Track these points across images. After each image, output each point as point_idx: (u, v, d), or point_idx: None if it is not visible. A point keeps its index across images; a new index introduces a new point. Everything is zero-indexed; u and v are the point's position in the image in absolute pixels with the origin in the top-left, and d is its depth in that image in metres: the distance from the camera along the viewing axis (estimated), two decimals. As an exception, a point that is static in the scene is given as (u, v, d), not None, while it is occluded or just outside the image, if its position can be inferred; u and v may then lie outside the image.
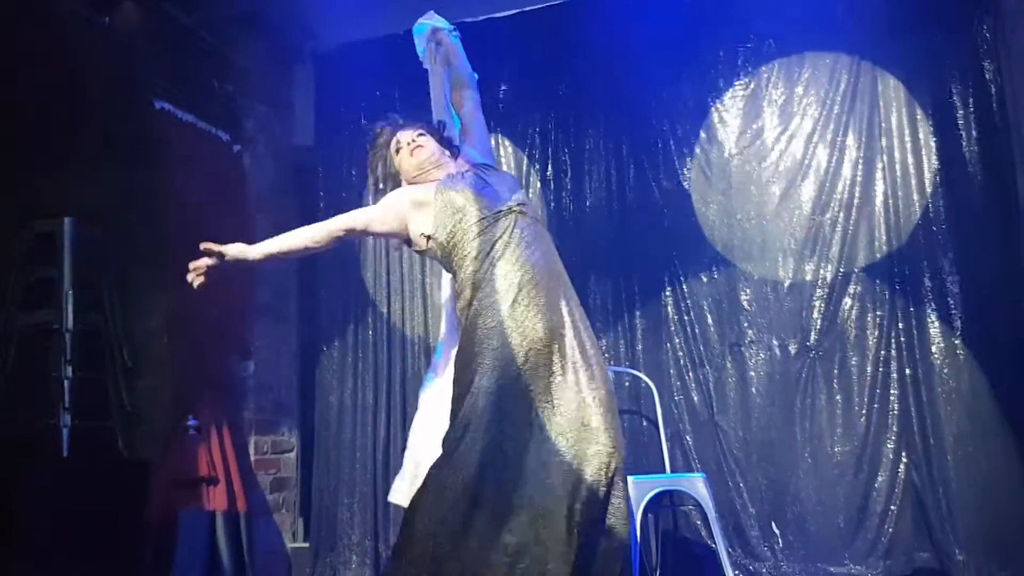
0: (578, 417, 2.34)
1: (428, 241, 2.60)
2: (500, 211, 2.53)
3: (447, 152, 2.81)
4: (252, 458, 4.44)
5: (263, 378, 4.58)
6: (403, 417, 4.56)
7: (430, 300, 4.65)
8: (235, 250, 2.57)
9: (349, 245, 4.85)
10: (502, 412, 2.32)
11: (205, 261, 2.53)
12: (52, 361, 3.46)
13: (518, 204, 2.57)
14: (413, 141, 2.75)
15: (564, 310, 2.47)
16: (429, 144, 2.76)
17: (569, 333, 2.44)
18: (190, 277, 2.55)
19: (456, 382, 2.44)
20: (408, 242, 2.70)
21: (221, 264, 2.57)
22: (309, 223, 4.76)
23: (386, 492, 4.48)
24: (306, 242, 2.65)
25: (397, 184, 2.80)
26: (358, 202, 4.83)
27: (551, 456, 2.30)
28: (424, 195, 2.64)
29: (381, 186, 2.83)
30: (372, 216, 2.68)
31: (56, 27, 3.57)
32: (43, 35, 3.51)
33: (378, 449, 4.56)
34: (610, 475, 2.30)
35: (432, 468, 2.36)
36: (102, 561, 3.36)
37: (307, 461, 4.73)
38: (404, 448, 4.43)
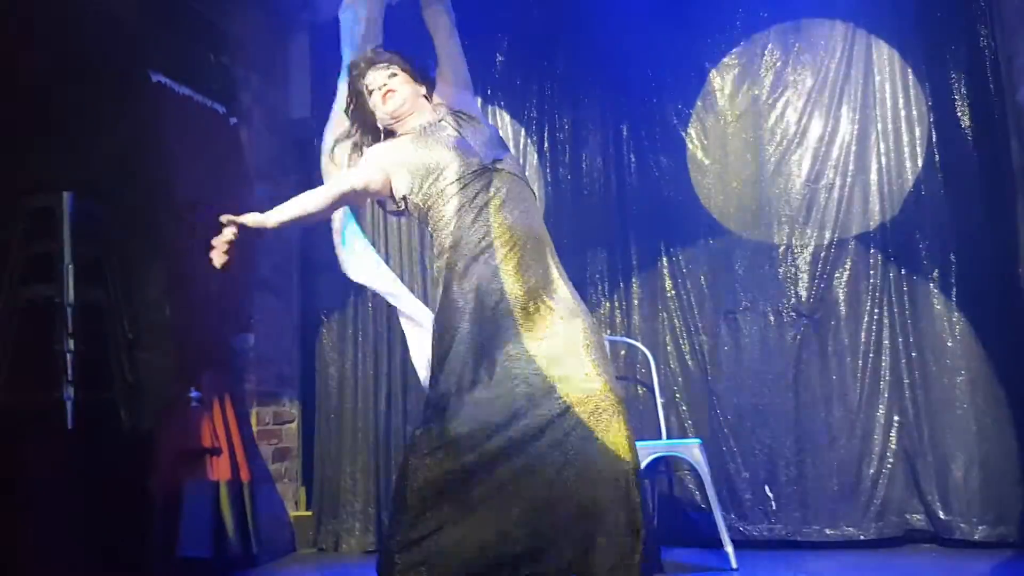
0: (567, 358, 2.30)
1: (404, 201, 2.54)
2: (476, 170, 2.46)
3: (423, 89, 2.67)
4: (254, 429, 4.49)
5: (264, 350, 4.62)
6: (403, 387, 4.63)
7: (429, 271, 4.68)
8: (252, 220, 2.39)
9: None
10: (484, 374, 2.31)
11: (227, 235, 2.32)
12: (55, 335, 3.49)
13: (494, 161, 2.50)
14: (385, 86, 2.61)
15: (543, 270, 2.42)
16: (402, 89, 2.61)
17: (549, 291, 2.39)
18: (213, 254, 2.33)
19: (436, 344, 2.42)
20: (382, 203, 2.63)
21: (240, 235, 2.52)
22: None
23: (387, 460, 4.57)
24: (314, 208, 2.52)
25: (372, 125, 2.68)
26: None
27: (537, 390, 2.27)
28: (399, 155, 2.54)
29: (355, 129, 2.72)
30: (369, 176, 2.56)
31: (53, 1, 3.56)
32: (40, 9, 3.50)
33: (379, 418, 4.62)
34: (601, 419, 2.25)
35: (419, 431, 2.38)
36: (107, 532, 3.42)
37: (308, 431, 4.79)
38: (403, 417, 4.56)
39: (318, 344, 4.83)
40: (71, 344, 3.49)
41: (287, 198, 4.85)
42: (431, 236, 2.54)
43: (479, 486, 2.27)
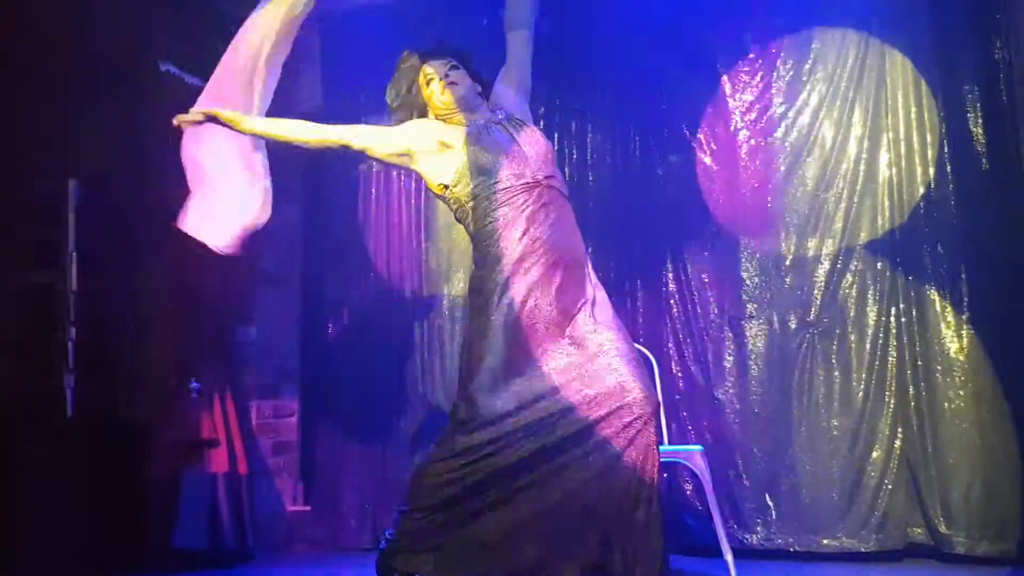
0: (602, 373, 2.30)
1: (446, 190, 2.52)
2: (528, 182, 2.44)
3: (479, 89, 2.68)
4: (254, 422, 4.49)
5: (265, 343, 4.61)
6: (400, 384, 4.61)
7: (428, 269, 4.67)
8: (229, 115, 2.63)
9: (352, 211, 4.87)
10: (512, 388, 2.31)
11: (193, 116, 2.64)
12: (56, 322, 3.48)
13: (546, 177, 2.48)
14: (447, 76, 2.61)
15: (581, 289, 2.42)
16: (463, 81, 2.62)
17: (586, 309, 2.39)
18: (175, 120, 2.65)
19: (466, 354, 2.43)
20: (408, 171, 2.70)
21: (211, 123, 2.64)
22: (316, 188, 4.89)
23: (385, 458, 4.56)
24: (297, 138, 2.65)
25: (422, 113, 2.68)
26: (368, 167, 4.85)
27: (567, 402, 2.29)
28: (452, 138, 2.54)
29: (400, 114, 2.72)
30: (374, 141, 2.60)
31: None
32: (49, -4, 3.49)
33: (379, 414, 4.60)
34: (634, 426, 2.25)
35: (442, 436, 2.40)
36: (105, 520, 3.41)
37: (308, 426, 4.77)
38: (402, 413, 4.54)
39: (319, 337, 4.81)
40: (72, 332, 3.48)
41: (294, 190, 4.86)
42: (471, 238, 2.53)
43: (495, 493, 2.27)
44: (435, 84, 2.62)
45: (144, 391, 3.74)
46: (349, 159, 4.82)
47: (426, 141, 2.56)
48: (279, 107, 4.77)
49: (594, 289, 2.47)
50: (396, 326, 4.70)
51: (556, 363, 2.32)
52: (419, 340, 4.63)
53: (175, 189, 3.95)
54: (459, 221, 2.60)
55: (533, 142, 2.55)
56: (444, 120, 2.63)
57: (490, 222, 2.43)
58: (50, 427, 3.39)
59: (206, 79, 4.26)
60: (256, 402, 4.53)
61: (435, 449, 2.41)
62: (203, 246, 3.96)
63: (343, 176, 4.92)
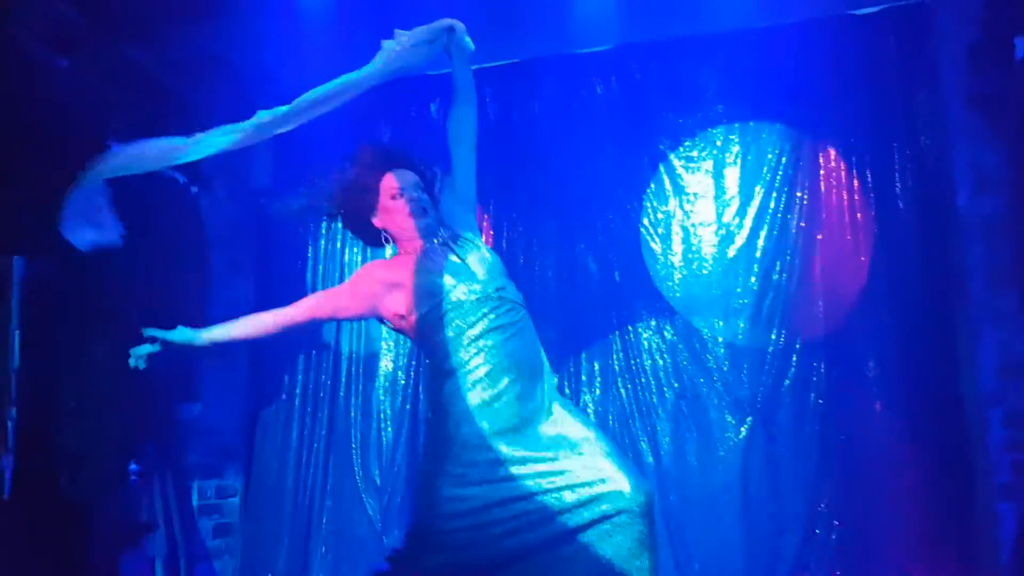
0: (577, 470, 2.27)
1: (401, 320, 2.51)
2: (479, 297, 2.42)
3: (436, 213, 2.61)
4: (196, 503, 4.38)
5: (210, 421, 4.53)
6: (349, 463, 4.57)
7: (383, 343, 4.67)
8: (181, 336, 2.54)
9: (302, 284, 4.86)
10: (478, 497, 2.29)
11: (147, 348, 2.52)
12: (-3, 401, 3.40)
13: (496, 289, 2.46)
14: (416, 201, 2.56)
15: (541, 395, 2.39)
16: (430, 209, 2.58)
17: (547, 414, 2.36)
18: (132, 361, 2.55)
19: (429, 467, 2.40)
20: (381, 319, 2.61)
21: (166, 351, 2.55)
22: (266, 262, 4.87)
23: (321, 544, 4.48)
24: (260, 330, 2.58)
25: (362, 212, 2.61)
26: (315, 244, 4.87)
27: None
28: (398, 276, 2.52)
29: (344, 221, 2.66)
30: (339, 304, 2.58)
31: (13, 69, 3.55)
32: (2, 74, 3.49)
33: (316, 497, 4.57)
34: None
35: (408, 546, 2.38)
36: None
37: (252, 507, 4.68)
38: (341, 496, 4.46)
39: (264, 415, 4.76)
40: (13, 412, 3.39)
41: (244, 266, 4.82)
42: (427, 356, 2.51)
43: None
44: (401, 203, 2.57)
45: (85, 472, 3.64)
46: (297, 237, 4.86)
47: (384, 291, 2.53)
48: (231, 186, 4.82)
49: (553, 392, 2.44)
50: (341, 403, 4.68)
51: (522, 472, 2.28)
52: (371, 414, 4.60)
53: (121, 268, 3.94)
54: (417, 345, 2.63)
55: (481, 258, 2.53)
56: (393, 237, 2.61)
57: (442, 338, 2.41)
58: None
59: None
60: (199, 482, 4.43)
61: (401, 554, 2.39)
62: (149, 323, 3.95)
63: (293, 249, 4.93)
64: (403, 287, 2.50)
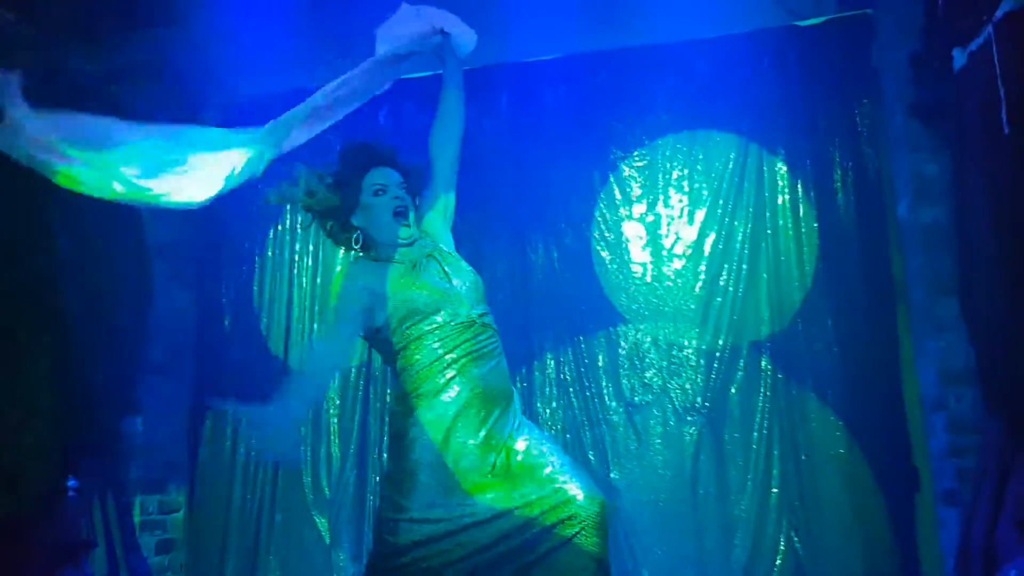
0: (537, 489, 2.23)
1: (377, 333, 2.38)
2: (463, 322, 2.32)
3: (417, 219, 2.50)
4: (137, 519, 4.27)
5: (152, 436, 4.43)
6: (296, 477, 4.49)
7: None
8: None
9: (248, 294, 4.78)
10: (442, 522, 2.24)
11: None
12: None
13: (480, 315, 2.37)
14: (402, 202, 2.44)
15: (511, 423, 2.31)
16: (411, 212, 2.45)
17: (514, 441, 2.29)
18: None
19: (391, 489, 2.32)
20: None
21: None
22: (210, 272, 4.78)
23: (269, 561, 4.40)
24: (317, 397, 2.45)
25: (343, 221, 2.47)
26: (262, 254, 4.78)
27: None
28: (384, 286, 2.36)
29: (322, 217, 2.49)
30: (350, 346, 2.50)
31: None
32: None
33: (264, 510, 4.48)
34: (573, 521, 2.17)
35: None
36: (-31, 632, 3.17)
37: (196, 522, 4.57)
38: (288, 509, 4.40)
39: (206, 429, 4.66)
40: (-57, 427, 3.28)
41: (186, 274, 4.72)
42: (397, 374, 2.38)
43: None
44: (383, 200, 2.44)
45: (20, 489, 3.52)
46: (243, 238, 4.78)
47: (371, 301, 2.37)
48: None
49: (521, 418, 2.38)
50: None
51: (488, 495, 2.23)
52: (320, 427, 4.54)
53: (60, 279, 3.83)
54: (385, 361, 2.47)
55: (464, 277, 2.42)
56: (373, 241, 2.47)
57: (417, 359, 2.31)
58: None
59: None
60: (140, 497, 4.32)
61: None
62: (89, 336, 3.85)
63: (238, 259, 4.85)
64: (380, 297, 2.35)
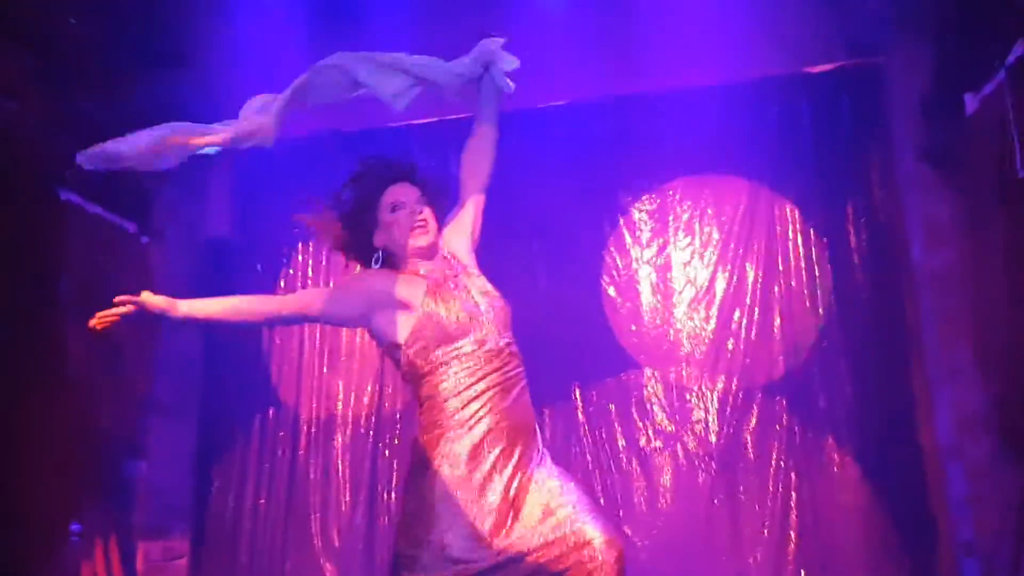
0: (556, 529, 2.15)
1: (398, 350, 2.29)
2: (491, 350, 2.24)
3: (440, 233, 2.42)
4: (140, 566, 4.20)
5: (156, 480, 4.38)
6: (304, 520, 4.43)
7: (339, 403, 4.57)
8: (160, 302, 2.16)
9: (258, 339, 4.75)
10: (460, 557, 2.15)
11: (115, 312, 2.13)
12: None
13: (507, 344, 2.28)
14: (421, 215, 2.36)
15: (532, 455, 2.23)
16: (432, 227, 2.37)
17: (534, 473, 2.21)
18: (93, 322, 2.14)
19: (410, 522, 2.23)
20: (372, 334, 2.36)
21: (137, 315, 2.17)
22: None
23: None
24: (241, 315, 2.27)
25: (365, 243, 2.40)
26: (272, 292, 4.75)
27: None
28: (409, 294, 2.29)
29: (345, 245, 2.43)
30: (332, 310, 2.33)
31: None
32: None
33: (285, 556, 4.42)
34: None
35: None
36: None
37: (201, 568, 4.50)
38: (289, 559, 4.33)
39: (215, 474, 4.61)
40: (-54, 470, 3.24)
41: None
42: (419, 400, 2.30)
43: None
44: (403, 215, 2.37)
45: (23, 534, 3.48)
46: (260, 281, 4.76)
47: (383, 299, 2.31)
48: (184, 235, 4.71)
49: (542, 451, 2.29)
50: (297, 459, 4.56)
51: (510, 535, 2.15)
52: (331, 475, 4.49)
53: (64, 326, 3.81)
54: (406, 380, 2.38)
55: (493, 302, 2.33)
56: (395, 258, 2.40)
57: (445, 388, 2.23)
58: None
59: (109, 207, 4.18)
60: (143, 543, 4.25)
61: None
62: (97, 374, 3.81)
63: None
64: (409, 309, 2.27)
